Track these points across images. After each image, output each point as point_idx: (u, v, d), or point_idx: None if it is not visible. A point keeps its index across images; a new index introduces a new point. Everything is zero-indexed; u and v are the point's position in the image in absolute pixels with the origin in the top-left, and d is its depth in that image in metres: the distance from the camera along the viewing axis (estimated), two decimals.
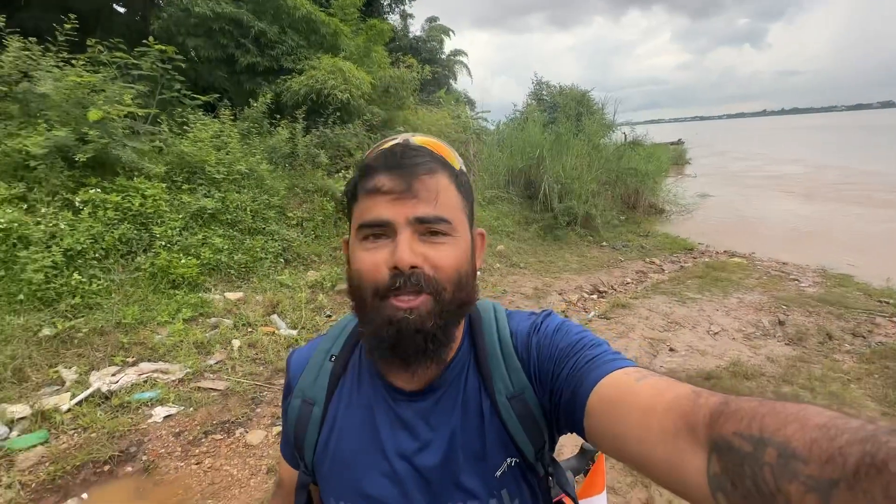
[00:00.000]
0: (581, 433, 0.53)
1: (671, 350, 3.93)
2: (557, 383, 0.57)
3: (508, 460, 0.61)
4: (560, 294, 5.36)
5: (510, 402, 0.61)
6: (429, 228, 0.55)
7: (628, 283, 5.87)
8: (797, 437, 0.31)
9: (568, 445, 2.54)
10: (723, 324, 4.45)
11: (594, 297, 5.42)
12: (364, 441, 0.63)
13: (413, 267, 0.53)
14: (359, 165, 0.61)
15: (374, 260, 0.55)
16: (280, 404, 0.78)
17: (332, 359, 0.68)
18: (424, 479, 0.61)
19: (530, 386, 0.61)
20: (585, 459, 1.17)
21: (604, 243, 7.69)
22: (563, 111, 10.66)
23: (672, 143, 22.10)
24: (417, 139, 0.62)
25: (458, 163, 0.63)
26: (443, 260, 0.55)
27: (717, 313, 4.72)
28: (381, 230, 0.55)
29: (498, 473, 0.61)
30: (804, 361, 3.67)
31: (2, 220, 3.48)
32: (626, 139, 11.10)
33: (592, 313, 4.79)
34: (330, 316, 4.25)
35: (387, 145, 0.62)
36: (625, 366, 0.52)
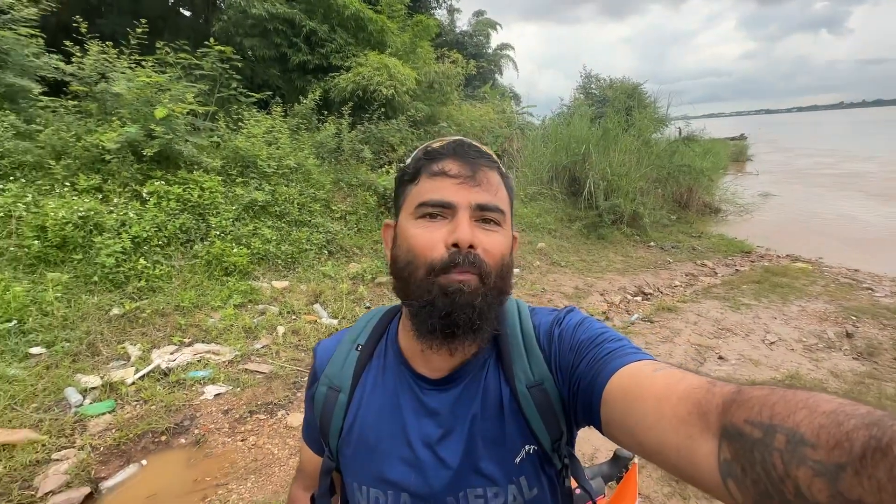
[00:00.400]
0: (597, 423, 0.55)
1: (720, 358, 3.71)
2: (576, 373, 0.58)
3: (527, 447, 0.63)
4: (602, 294, 5.20)
5: (529, 391, 0.62)
6: (484, 216, 0.59)
7: (676, 286, 5.59)
8: (806, 423, 0.32)
9: (602, 450, 2.48)
10: (780, 333, 4.14)
11: (638, 298, 5.21)
12: (388, 427, 0.65)
13: (471, 246, 0.57)
14: (423, 150, 0.64)
15: (432, 237, 0.58)
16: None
17: (359, 348, 0.71)
18: (446, 466, 0.63)
19: (551, 376, 0.62)
20: (619, 466, 1.14)
21: (651, 243, 7.36)
22: (612, 105, 10.25)
23: (732, 139, 20.73)
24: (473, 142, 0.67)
25: (502, 167, 0.68)
26: (493, 246, 0.59)
27: (775, 322, 4.40)
28: (441, 210, 0.59)
29: (517, 460, 0.62)
30: (875, 378, 3.35)
31: (81, 209, 3.84)
32: (679, 134, 10.52)
33: (636, 315, 4.61)
34: (369, 307, 4.36)
35: (435, 145, 0.65)
36: (643, 358, 0.53)
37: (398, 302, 0.69)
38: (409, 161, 0.67)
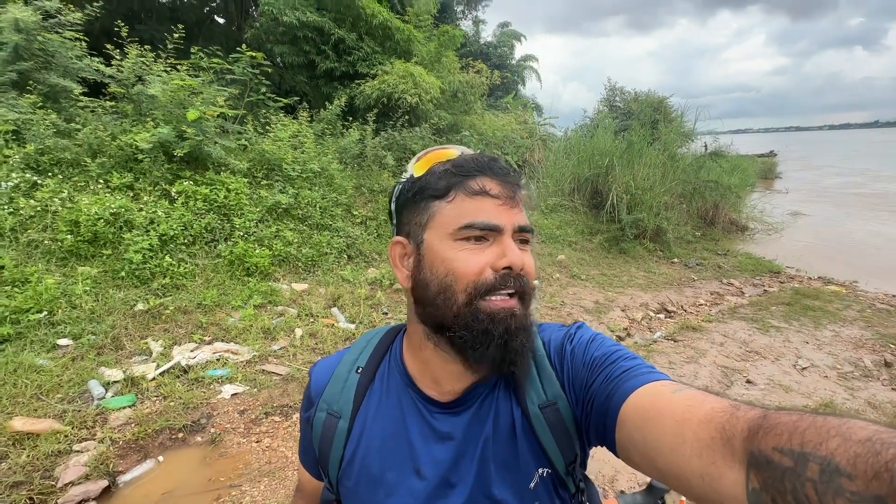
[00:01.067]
0: (611, 444, 0.53)
1: (748, 382, 3.56)
2: (590, 392, 0.56)
3: (540, 471, 0.60)
4: (623, 310, 5.08)
5: (542, 411, 0.60)
6: (522, 237, 0.59)
7: (701, 305, 5.43)
8: (840, 452, 0.30)
9: (623, 472, 2.38)
10: (812, 358, 3.96)
11: (661, 316, 5.07)
12: (395, 455, 0.62)
13: (521, 270, 0.56)
14: (451, 163, 0.60)
15: (478, 261, 0.55)
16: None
17: (359, 370, 0.68)
18: (458, 493, 0.60)
19: (564, 395, 0.60)
20: (654, 497, 1.06)
21: (675, 260, 7.18)
22: (637, 118, 10.12)
23: (762, 156, 20.22)
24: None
25: None
26: (530, 266, 0.58)
27: (807, 346, 4.21)
28: (486, 233, 0.56)
29: (531, 485, 0.60)
30: None
31: (113, 206, 3.96)
32: (706, 149, 10.31)
33: (658, 333, 4.48)
34: (386, 313, 4.35)
35: (450, 154, 0.62)
36: (661, 378, 0.51)
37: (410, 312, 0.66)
38: (409, 173, 0.63)
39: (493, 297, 0.55)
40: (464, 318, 0.55)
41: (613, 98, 13.94)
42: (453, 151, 0.63)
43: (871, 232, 9.75)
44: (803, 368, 3.78)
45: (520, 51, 19.70)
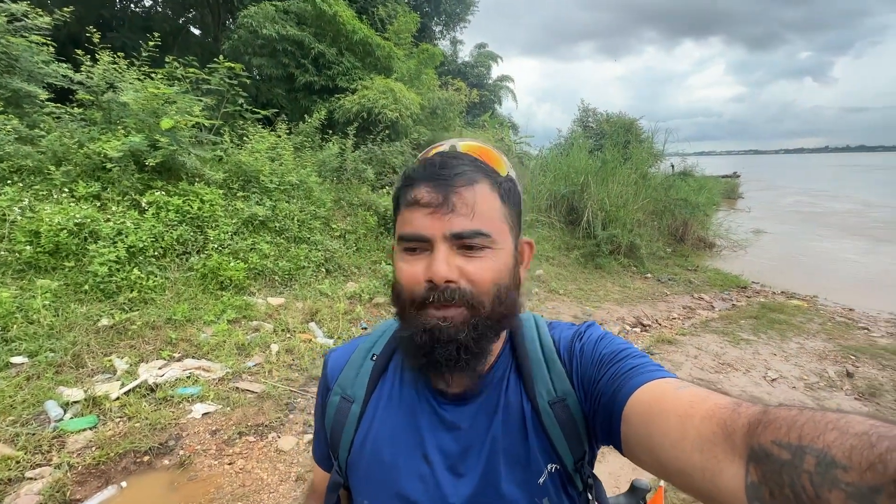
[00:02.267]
0: (617, 442, 0.53)
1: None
2: (598, 388, 0.56)
3: (549, 466, 0.60)
4: (601, 324, 5.14)
5: (552, 407, 0.60)
6: (464, 244, 0.55)
7: (674, 318, 5.57)
8: (837, 445, 0.31)
9: (623, 478, 2.38)
10: (781, 370, 4.10)
11: (637, 329, 5.17)
12: (405, 443, 0.63)
13: (448, 281, 0.54)
14: (402, 172, 0.61)
15: (413, 272, 0.56)
16: (311, 410, 0.78)
17: (374, 358, 0.69)
18: (465, 483, 0.60)
19: (573, 392, 0.60)
20: (636, 497, 1.08)
21: (648, 275, 7.37)
22: (610, 138, 10.49)
23: (726, 176, 21.23)
24: (463, 145, 0.62)
25: (505, 168, 0.62)
26: (479, 274, 0.55)
27: (775, 358, 4.37)
28: (418, 244, 0.56)
29: (540, 481, 0.60)
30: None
31: (78, 216, 3.77)
32: (673, 169, 10.75)
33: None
34: (365, 328, 4.27)
35: (431, 153, 0.62)
36: (666, 376, 0.52)
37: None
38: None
39: (429, 309, 0.55)
40: (406, 323, 0.58)
41: (587, 119, 14.44)
42: (440, 147, 0.63)
43: (826, 249, 10.33)
44: (773, 380, 3.91)
45: (496, 71, 20.20)
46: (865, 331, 5.15)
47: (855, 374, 4.00)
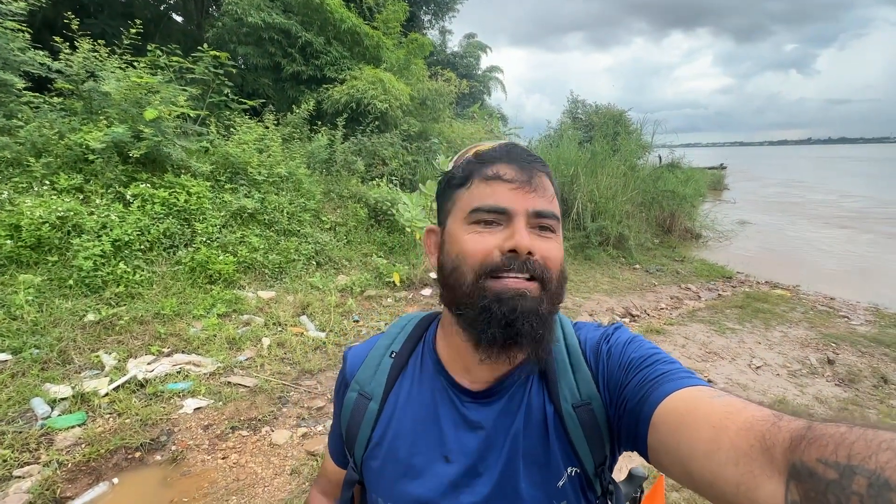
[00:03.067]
0: (643, 449, 0.51)
1: (709, 381, 3.73)
2: (624, 393, 0.55)
3: (569, 470, 0.60)
4: (591, 315, 5.22)
5: (576, 410, 0.59)
6: (541, 223, 0.57)
7: (662, 309, 5.66)
8: (891, 467, 0.29)
9: (623, 469, 2.43)
10: (765, 358, 4.21)
11: (626, 320, 5.24)
12: (424, 440, 0.62)
13: (529, 253, 0.54)
14: (474, 154, 0.62)
15: (485, 243, 0.55)
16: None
17: (393, 355, 0.68)
18: (484, 483, 0.60)
19: (598, 396, 0.59)
20: (633, 486, 1.10)
21: (636, 265, 7.47)
22: (599, 130, 10.52)
23: (713, 168, 21.49)
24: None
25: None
26: (551, 252, 0.57)
27: (759, 346, 4.47)
28: (496, 216, 0.56)
29: (560, 483, 0.59)
30: (857, 405, 3.41)
31: (60, 209, 3.67)
32: (660, 161, 10.85)
33: None
34: (357, 321, 4.26)
35: (483, 148, 0.63)
36: (699, 384, 0.50)
37: (405, 312, 0.66)
38: (452, 164, 0.65)
39: (503, 278, 0.54)
40: (470, 295, 0.56)
41: (576, 110, 14.44)
42: (489, 145, 0.64)
43: (808, 239, 10.56)
44: (757, 367, 4.01)
45: (485, 62, 20.09)
46: (846, 319, 5.30)
47: (836, 360, 4.12)
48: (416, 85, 8.64)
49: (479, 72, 19.83)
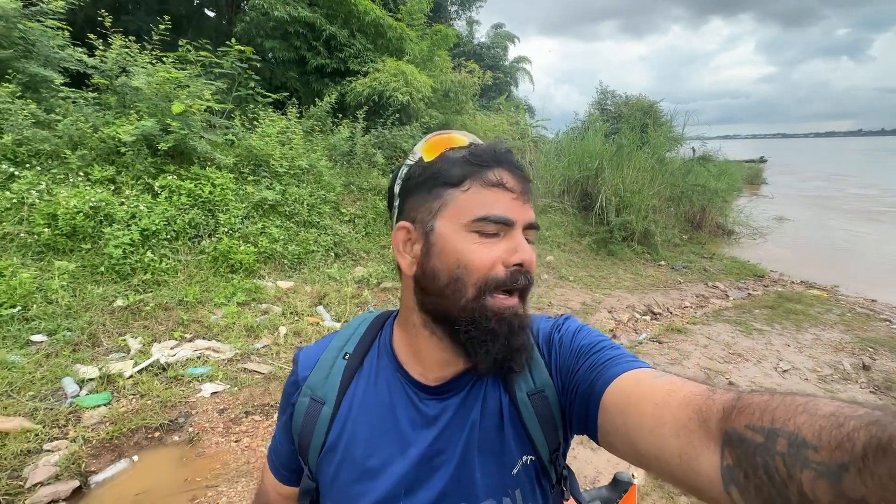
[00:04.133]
0: (593, 431, 0.54)
1: (730, 384, 3.59)
2: (575, 379, 0.57)
3: (524, 458, 0.60)
4: (610, 312, 5.10)
5: (530, 398, 0.60)
6: (528, 235, 0.58)
7: (686, 307, 5.48)
8: (807, 426, 0.32)
9: (604, 473, 2.39)
10: (794, 361, 4.01)
11: (647, 318, 5.10)
12: (381, 440, 0.61)
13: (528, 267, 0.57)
14: (468, 151, 0.59)
15: (490, 255, 0.55)
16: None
17: (346, 357, 0.66)
18: (441, 476, 0.59)
19: (552, 383, 0.60)
20: (618, 490, 1.09)
21: (662, 262, 7.24)
22: (627, 122, 10.20)
23: (751, 161, 20.54)
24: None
25: None
26: (534, 265, 0.59)
27: (788, 349, 4.27)
28: (499, 227, 0.56)
29: (514, 472, 0.60)
30: None
31: (93, 199, 3.86)
32: (693, 154, 10.43)
33: (644, 335, 4.50)
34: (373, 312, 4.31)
35: (460, 141, 0.62)
36: (643, 366, 0.53)
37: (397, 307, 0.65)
38: (416, 156, 0.61)
39: (500, 295, 0.55)
40: (471, 312, 0.55)
41: (604, 101, 14.03)
42: (463, 138, 0.62)
43: (851, 237, 9.95)
44: (784, 371, 3.83)
45: (513, 52, 19.76)
46: (887, 323, 4.98)
47: (872, 366, 3.88)
48: (440, 77, 8.58)
49: (507, 63, 19.53)
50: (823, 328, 4.78)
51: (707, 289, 6.21)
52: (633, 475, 1.05)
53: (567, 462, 0.66)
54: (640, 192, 7.85)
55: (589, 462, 2.48)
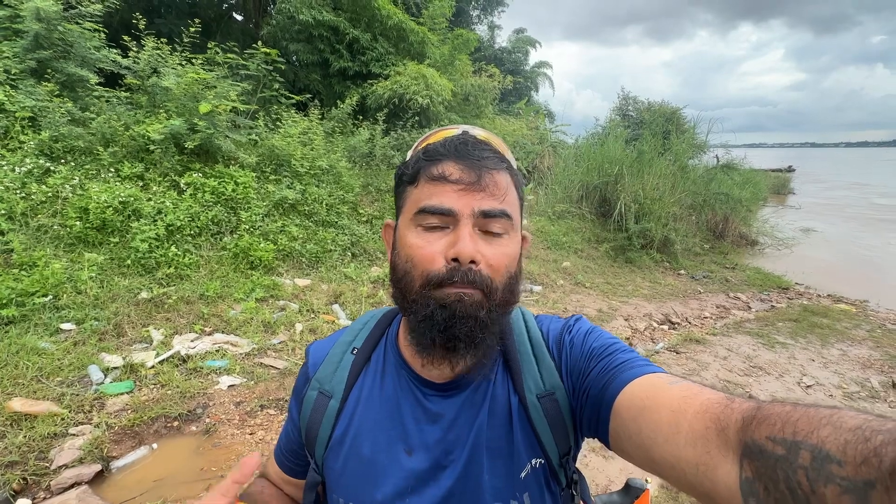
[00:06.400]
0: (604, 435, 0.52)
1: (750, 397, 3.48)
2: (587, 382, 0.56)
3: (533, 461, 0.60)
4: (626, 320, 5.02)
5: (540, 401, 0.59)
6: (489, 224, 0.55)
7: (706, 318, 5.35)
8: (831, 440, 0.31)
9: (617, 482, 2.35)
10: (818, 376, 3.88)
11: (664, 327, 5.00)
12: (386, 437, 0.62)
13: (472, 262, 0.53)
14: (423, 149, 0.59)
15: (431, 249, 0.54)
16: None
17: (354, 352, 0.68)
18: (447, 476, 0.59)
19: (562, 385, 0.59)
20: (630, 496, 1.07)
21: (681, 271, 7.10)
22: (648, 128, 10.06)
23: (777, 170, 19.98)
24: (479, 134, 0.62)
25: (514, 161, 0.63)
26: (498, 259, 0.55)
27: (813, 364, 4.13)
28: (441, 219, 0.54)
29: (522, 475, 0.59)
30: None
31: (122, 194, 4.01)
32: (717, 162, 10.21)
33: (661, 344, 4.42)
34: (384, 308, 4.35)
35: (450, 133, 0.61)
36: (657, 371, 0.52)
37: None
38: (408, 157, 0.63)
39: (447, 288, 0.53)
40: (415, 304, 0.55)
41: (626, 107, 13.89)
42: (451, 131, 0.62)
43: (883, 251, 9.57)
44: (808, 386, 3.71)
45: (534, 57, 19.73)
46: None
47: None
48: (460, 80, 8.64)
49: (527, 67, 19.51)
50: (851, 344, 4.61)
51: (728, 299, 6.06)
52: (646, 480, 1.04)
53: (578, 467, 0.65)
54: (660, 199, 7.72)
55: (601, 470, 2.45)
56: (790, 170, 21.41)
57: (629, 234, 7.33)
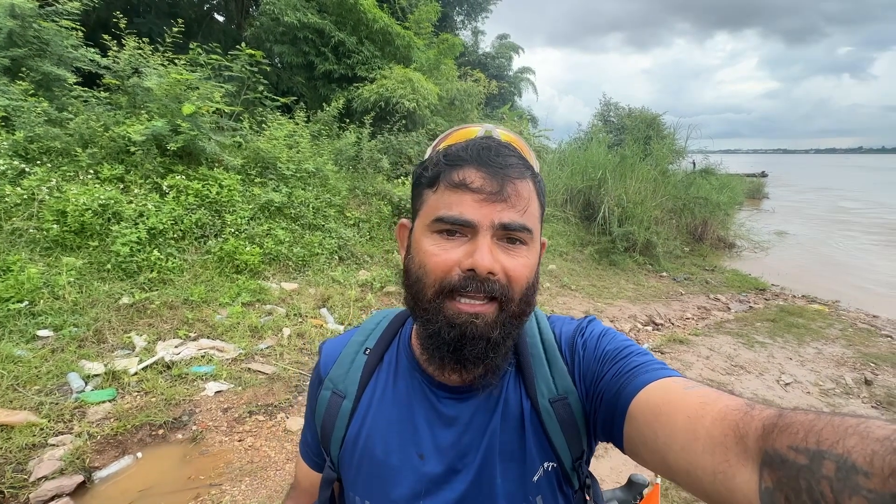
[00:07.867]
0: (618, 440, 0.52)
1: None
2: (600, 386, 0.55)
3: (546, 465, 0.59)
4: (612, 321, 5.11)
5: (552, 405, 0.59)
6: (509, 235, 0.53)
7: (688, 319, 5.49)
8: (858, 450, 0.29)
9: (607, 482, 2.39)
10: (796, 374, 4.01)
11: (648, 328, 5.11)
12: (399, 438, 0.61)
13: (490, 273, 0.51)
14: (444, 150, 0.57)
15: (447, 257, 0.53)
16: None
17: (367, 352, 0.67)
18: (460, 480, 0.59)
19: (575, 389, 0.59)
20: (633, 493, 1.08)
21: (663, 273, 7.26)
22: (630, 133, 10.28)
23: (752, 175, 20.65)
24: (503, 135, 0.59)
25: (536, 164, 0.60)
26: (517, 271, 0.53)
27: (790, 362, 4.27)
28: (460, 228, 0.53)
29: (535, 478, 0.59)
30: None
31: (102, 197, 3.89)
32: (694, 167, 10.51)
33: (646, 345, 4.51)
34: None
35: (472, 133, 0.59)
36: (672, 375, 0.50)
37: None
38: (427, 156, 0.60)
39: (461, 300, 0.52)
40: (425, 312, 0.55)
41: (608, 113, 14.14)
42: (474, 130, 0.59)
43: (851, 253, 9.98)
44: (786, 384, 3.83)
45: (517, 62, 19.95)
46: (889, 339, 4.99)
47: (874, 381, 3.89)
48: (446, 85, 8.67)
49: (511, 73, 19.71)
50: (825, 342, 4.78)
51: (709, 301, 6.22)
52: (656, 476, 1.05)
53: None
54: (642, 203, 7.90)
55: (592, 469, 2.48)
56: (763, 175, 22.17)
57: (613, 237, 7.47)
